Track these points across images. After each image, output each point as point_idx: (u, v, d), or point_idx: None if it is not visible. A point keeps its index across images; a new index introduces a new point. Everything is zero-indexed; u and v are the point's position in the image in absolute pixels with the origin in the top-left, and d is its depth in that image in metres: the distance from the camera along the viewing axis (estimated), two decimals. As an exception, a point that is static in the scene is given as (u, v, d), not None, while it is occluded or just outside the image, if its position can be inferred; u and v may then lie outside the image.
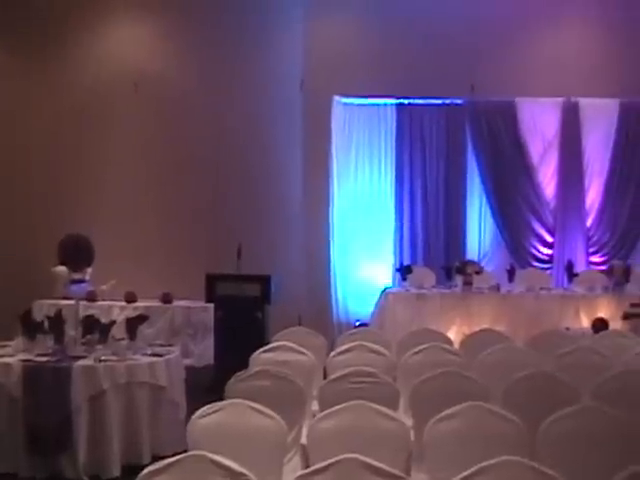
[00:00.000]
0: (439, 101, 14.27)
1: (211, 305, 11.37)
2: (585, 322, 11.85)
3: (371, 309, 12.86)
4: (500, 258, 14.10)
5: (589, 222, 14.18)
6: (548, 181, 14.26)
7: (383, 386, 6.01)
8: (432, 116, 14.34)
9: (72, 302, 9.86)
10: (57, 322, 8.14)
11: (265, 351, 7.31)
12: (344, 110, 14.31)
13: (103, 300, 12.34)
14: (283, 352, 7.24)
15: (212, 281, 11.10)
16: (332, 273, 14.15)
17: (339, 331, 12.48)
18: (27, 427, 7.48)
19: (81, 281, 12.40)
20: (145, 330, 9.11)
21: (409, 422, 5.72)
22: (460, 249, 14.18)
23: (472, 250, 14.22)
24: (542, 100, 14.12)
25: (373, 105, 14.35)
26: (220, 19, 13.30)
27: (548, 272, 13.90)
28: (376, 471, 3.94)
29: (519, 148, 14.17)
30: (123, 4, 13.66)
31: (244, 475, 3.95)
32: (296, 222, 13.84)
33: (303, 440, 5.22)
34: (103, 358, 7.79)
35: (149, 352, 8.23)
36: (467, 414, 4.97)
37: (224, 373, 6.56)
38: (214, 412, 5.04)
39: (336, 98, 14.15)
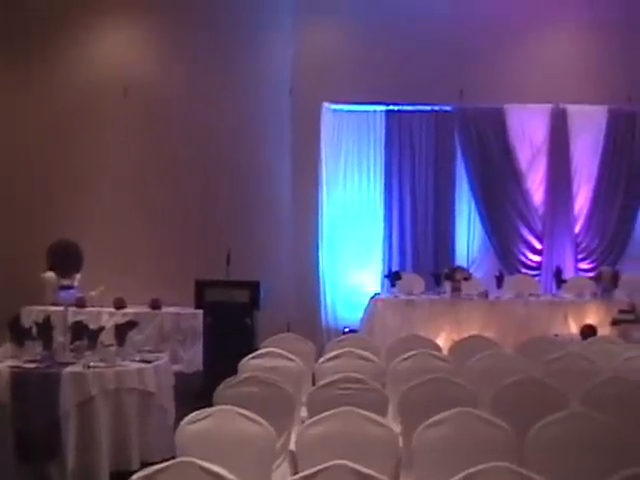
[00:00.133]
0: (428, 107, 14.28)
1: (200, 311, 11.36)
2: (574, 328, 11.85)
3: (360, 315, 12.84)
4: (489, 264, 14.12)
5: (577, 228, 14.21)
6: (537, 187, 14.29)
7: (372, 392, 6.00)
8: (421, 122, 14.36)
9: (61, 308, 9.85)
10: (46, 328, 8.11)
11: (254, 357, 7.31)
12: (333, 116, 14.32)
13: (92, 306, 12.33)
14: (272, 358, 7.24)
15: (201, 287, 11.09)
16: (321, 279, 14.14)
17: (328, 337, 12.47)
18: (15, 433, 7.45)
19: (70, 287, 12.36)
20: (134, 336, 9.07)
21: (398, 428, 5.72)
22: (449, 255, 14.19)
23: (461, 256, 14.23)
24: (531, 106, 14.15)
25: (362, 112, 14.35)
26: (210, 25, 13.30)
27: (537, 278, 13.92)
28: (365, 477, 3.94)
29: (508, 154, 14.19)
30: (112, 9, 13.64)
31: (233, 481, 3.95)
32: (285, 228, 13.85)
33: (292, 446, 5.21)
34: (92, 364, 7.76)
35: (138, 358, 8.21)
36: (456, 420, 4.98)
37: (213, 379, 6.54)
38: (203, 418, 5.03)
39: (325, 105, 14.15)
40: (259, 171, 13.61)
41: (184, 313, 12.41)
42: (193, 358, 12.01)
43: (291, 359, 7.25)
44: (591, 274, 13.61)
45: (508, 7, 13.84)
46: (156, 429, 7.96)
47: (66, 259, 12.07)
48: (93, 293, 12.29)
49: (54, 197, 13.51)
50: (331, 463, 3.97)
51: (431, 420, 4.98)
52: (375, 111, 14.34)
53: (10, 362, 7.85)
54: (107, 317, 12.05)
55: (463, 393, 5.94)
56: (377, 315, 12.41)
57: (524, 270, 14.12)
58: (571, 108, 14.10)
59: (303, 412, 6.40)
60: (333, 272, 14.20)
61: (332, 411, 5.02)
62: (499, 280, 12.96)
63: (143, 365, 8.04)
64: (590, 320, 11.72)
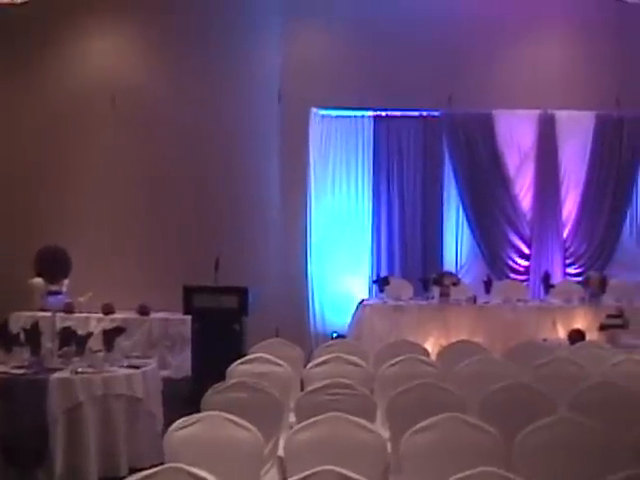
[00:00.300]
0: (416, 113, 14.33)
1: (188, 317, 11.34)
2: (562, 333, 11.86)
3: (348, 321, 12.85)
4: (477, 270, 14.14)
5: (565, 233, 14.26)
6: (525, 193, 14.33)
7: (360, 398, 6.00)
8: (409, 128, 14.40)
9: (49, 314, 9.83)
10: (34, 334, 8.09)
11: (242, 363, 7.30)
12: (321, 122, 14.33)
13: (80, 312, 12.29)
14: (260, 364, 7.24)
15: (189, 293, 11.06)
16: (310, 285, 14.15)
17: (316, 343, 12.45)
18: (3, 439, 7.44)
19: (58, 293, 12.35)
20: (122, 342, 9.05)
21: (386, 434, 5.73)
22: (437, 261, 14.21)
23: (449, 262, 14.26)
24: (519, 112, 14.20)
25: (350, 117, 14.38)
26: (198, 32, 13.28)
27: (525, 283, 13.95)
28: (353, 483, 3.94)
29: (496, 160, 14.23)
30: (100, 17, 13.59)
31: (221, 487, 3.95)
32: (274, 233, 13.84)
33: (280, 452, 5.21)
34: (80, 370, 7.76)
35: (126, 364, 8.19)
36: (444, 425, 4.97)
37: (201, 385, 6.53)
38: (191, 424, 5.03)
39: (313, 110, 14.17)
40: (248, 177, 13.59)
41: (172, 319, 12.38)
42: (181, 364, 11.98)
43: (279, 364, 7.25)
44: (579, 279, 13.64)
45: (496, 14, 13.86)
46: (144, 435, 7.95)
47: (54, 265, 12.08)
48: (81, 299, 12.26)
49: (42, 203, 13.45)
50: (319, 468, 3.96)
51: (419, 425, 4.97)
52: (363, 116, 14.38)
53: (-2, 368, 7.85)
54: (95, 323, 12.01)
55: (451, 398, 5.94)
56: (365, 320, 12.42)
57: (512, 275, 14.16)
58: (559, 114, 14.15)
59: (291, 418, 6.39)
60: (321, 277, 14.21)
61: (320, 417, 5.02)
62: (487, 285, 12.98)
63: (131, 371, 8.03)
64: (578, 325, 11.73)
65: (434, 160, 14.39)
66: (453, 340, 9.87)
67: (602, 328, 11.24)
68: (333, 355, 7.43)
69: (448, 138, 14.30)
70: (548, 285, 13.22)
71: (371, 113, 14.32)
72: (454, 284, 12.68)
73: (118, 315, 12.35)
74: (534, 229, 14.27)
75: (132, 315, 12.45)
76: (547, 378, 6.86)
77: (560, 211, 14.23)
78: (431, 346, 11.13)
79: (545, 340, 11.02)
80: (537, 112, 14.17)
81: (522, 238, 14.30)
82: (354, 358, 7.40)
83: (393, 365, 7.22)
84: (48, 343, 8.24)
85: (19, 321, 11.04)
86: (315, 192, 14.24)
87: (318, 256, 14.20)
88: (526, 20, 13.91)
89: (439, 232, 14.35)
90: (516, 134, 14.30)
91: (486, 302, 12.62)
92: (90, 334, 8.51)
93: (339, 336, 12.57)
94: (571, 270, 14.22)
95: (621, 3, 11.29)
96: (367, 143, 14.42)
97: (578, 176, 14.26)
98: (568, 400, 6.08)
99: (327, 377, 6.46)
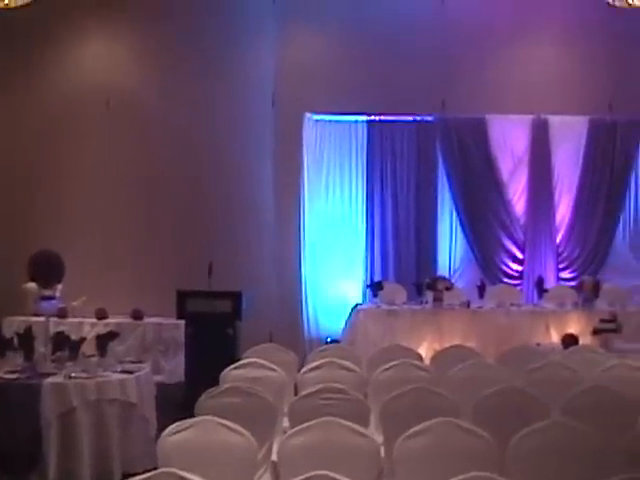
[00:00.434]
0: (410, 118, 14.34)
1: (182, 322, 11.33)
2: (555, 338, 11.88)
3: (342, 325, 12.85)
4: (471, 274, 14.13)
5: (559, 238, 14.26)
6: (518, 197, 14.33)
7: (354, 403, 6.00)
8: (403, 133, 14.39)
9: (42, 319, 9.82)
10: (27, 339, 8.09)
11: (236, 368, 7.30)
12: (315, 126, 14.33)
13: (73, 317, 12.29)
14: (254, 369, 7.24)
15: (183, 297, 11.06)
16: (303, 289, 14.14)
17: (310, 347, 12.44)
18: (-4, 444, 7.45)
19: (51, 298, 12.34)
20: (116, 347, 9.06)
21: (380, 438, 5.73)
22: (431, 265, 14.21)
23: (443, 266, 14.25)
24: (512, 117, 14.20)
25: (344, 122, 14.38)
26: (193, 35, 13.28)
27: (518, 288, 13.94)
28: (347, 487, 3.95)
29: (489, 164, 14.23)
30: (94, 21, 13.57)
31: (214, 492, 3.95)
32: (267, 238, 13.84)
33: (274, 457, 5.21)
34: (73, 375, 7.75)
35: (119, 369, 8.19)
36: (437, 430, 4.98)
37: (195, 390, 6.53)
38: (184, 429, 5.03)
39: (307, 115, 14.17)
40: (241, 180, 13.59)
41: (166, 323, 12.37)
42: (175, 369, 11.97)
43: (273, 369, 7.25)
44: (572, 283, 13.64)
45: (490, 19, 13.87)
46: (138, 440, 7.95)
47: (48, 269, 12.06)
48: (75, 303, 12.26)
49: (36, 207, 13.44)
50: (313, 473, 3.96)
51: (412, 430, 4.97)
52: (357, 121, 14.37)
53: (-9, 373, 7.84)
54: (89, 328, 12.00)
55: (445, 403, 5.94)
56: (359, 325, 12.42)
57: (506, 280, 14.14)
58: (552, 119, 14.15)
59: (285, 422, 6.39)
60: (315, 282, 14.20)
61: (314, 421, 5.02)
62: (481, 290, 12.98)
63: (125, 376, 8.03)
64: (571, 329, 11.74)
65: (428, 165, 14.40)
66: (447, 345, 9.88)
67: (595, 332, 11.25)
68: (327, 360, 7.42)
69: (442, 143, 14.30)
70: (541, 289, 13.23)
71: (365, 117, 14.32)
72: (447, 289, 12.69)
73: (111, 320, 12.34)
74: (527, 233, 14.28)
75: (125, 320, 12.43)
76: (540, 382, 6.86)
77: (553, 215, 14.24)
78: (425, 351, 11.13)
79: (538, 344, 11.01)
80: (530, 117, 14.18)
81: (515, 243, 14.31)
82: (347, 363, 7.39)
83: (387, 370, 7.22)
84: (41, 348, 8.24)
85: (12, 326, 11.05)
86: (309, 196, 14.22)
87: (312, 261, 14.19)
88: (519, 26, 13.92)
89: (433, 237, 14.34)
90: (509, 139, 14.31)
91: (480, 307, 12.64)
92: (83, 339, 8.51)
93: (333, 341, 12.55)
94: (564, 274, 14.22)
95: (614, 8, 11.31)
96: (361, 147, 14.41)
97: (571, 180, 14.27)
98: (561, 404, 6.08)
99: (321, 382, 6.45)
